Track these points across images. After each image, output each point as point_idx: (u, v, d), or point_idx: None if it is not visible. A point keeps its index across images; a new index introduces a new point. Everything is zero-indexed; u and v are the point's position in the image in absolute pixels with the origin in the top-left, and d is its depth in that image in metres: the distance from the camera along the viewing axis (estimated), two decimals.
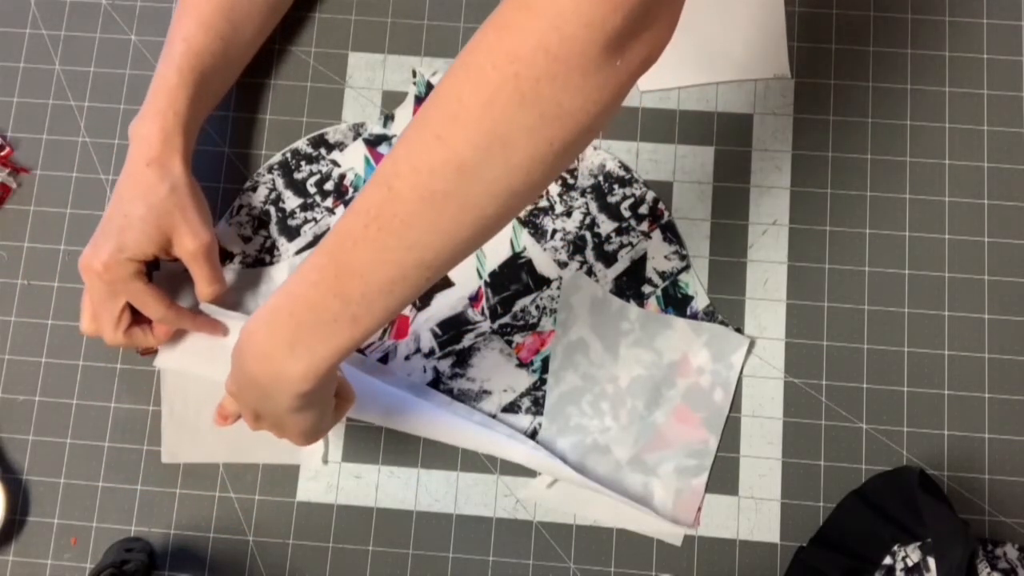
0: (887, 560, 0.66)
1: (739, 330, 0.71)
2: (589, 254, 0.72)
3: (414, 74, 0.76)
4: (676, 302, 0.72)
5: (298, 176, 0.75)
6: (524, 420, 0.70)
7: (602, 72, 0.45)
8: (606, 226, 0.73)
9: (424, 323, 0.72)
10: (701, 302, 0.72)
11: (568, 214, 0.73)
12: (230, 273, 0.73)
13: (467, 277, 0.72)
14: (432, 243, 0.48)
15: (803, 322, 0.71)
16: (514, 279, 0.72)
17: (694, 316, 0.71)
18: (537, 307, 0.72)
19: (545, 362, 0.71)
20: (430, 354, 0.72)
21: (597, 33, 0.43)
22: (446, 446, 0.70)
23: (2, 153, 0.76)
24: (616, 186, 0.74)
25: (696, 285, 0.72)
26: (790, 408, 0.70)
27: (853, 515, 0.67)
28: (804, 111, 0.75)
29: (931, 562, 0.65)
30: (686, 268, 0.72)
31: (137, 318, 0.67)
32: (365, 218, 0.48)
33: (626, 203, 0.73)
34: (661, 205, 0.73)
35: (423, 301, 0.72)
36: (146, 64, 0.77)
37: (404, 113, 0.76)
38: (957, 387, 0.70)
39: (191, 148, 0.68)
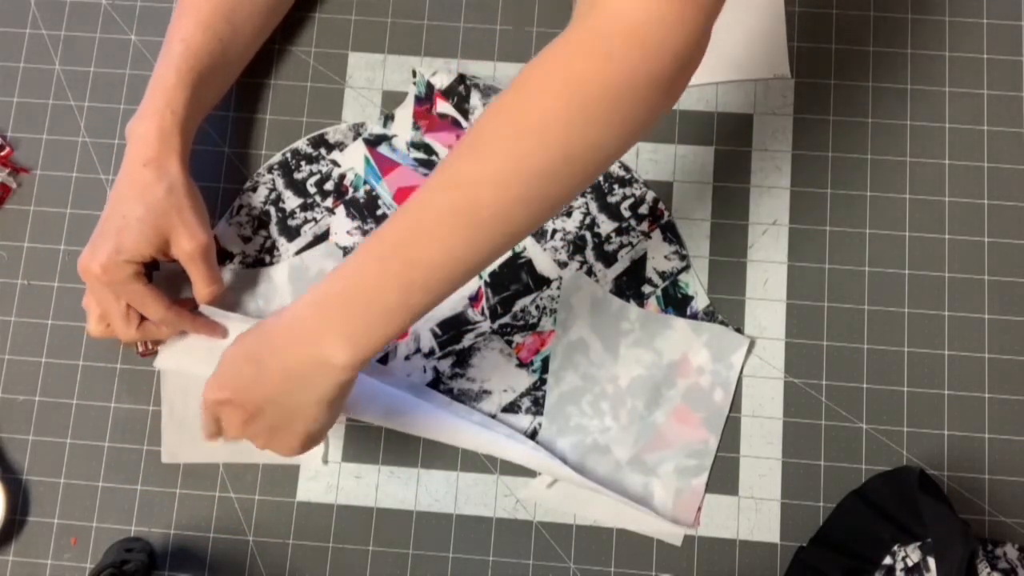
0: (887, 560, 0.66)
1: (739, 330, 0.71)
2: (589, 254, 0.72)
3: (414, 74, 0.76)
4: (676, 302, 0.72)
5: (298, 176, 0.75)
6: (524, 420, 0.70)
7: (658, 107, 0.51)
8: (606, 226, 0.73)
9: (424, 323, 0.72)
10: (701, 302, 0.72)
11: (568, 214, 0.73)
12: (228, 273, 0.73)
13: None
14: (502, 243, 0.53)
15: (803, 322, 0.71)
16: (514, 279, 0.72)
17: (694, 316, 0.71)
18: (537, 307, 0.72)
19: (545, 362, 0.71)
20: (430, 354, 0.71)
21: (656, 79, 0.49)
22: (446, 446, 0.70)
23: (2, 153, 0.76)
24: (616, 186, 0.74)
25: (696, 285, 0.72)
26: (790, 408, 0.70)
27: (853, 515, 0.67)
28: (804, 111, 0.75)
29: (931, 562, 0.65)
30: (686, 268, 0.72)
31: None
32: (437, 214, 0.52)
33: (626, 203, 0.73)
34: (661, 205, 0.73)
35: None
36: (146, 64, 0.77)
37: (404, 113, 0.76)
38: (957, 387, 0.70)
39: (189, 148, 0.68)
